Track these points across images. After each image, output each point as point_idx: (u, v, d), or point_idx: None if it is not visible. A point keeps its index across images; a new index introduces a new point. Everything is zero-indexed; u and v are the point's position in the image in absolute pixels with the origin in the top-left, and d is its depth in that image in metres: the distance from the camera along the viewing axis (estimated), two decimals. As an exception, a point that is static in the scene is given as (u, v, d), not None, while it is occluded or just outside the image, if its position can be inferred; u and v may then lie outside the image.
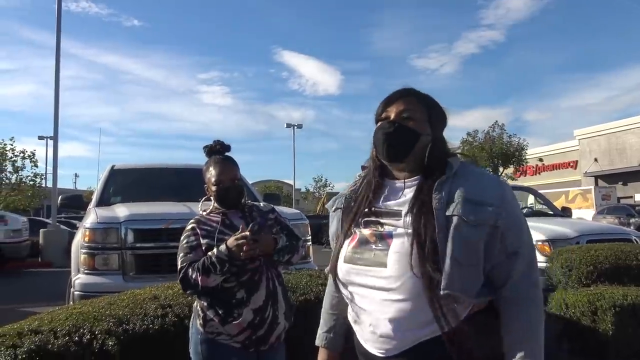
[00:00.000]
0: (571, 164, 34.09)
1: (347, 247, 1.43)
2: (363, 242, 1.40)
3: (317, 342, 1.65)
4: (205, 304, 2.15)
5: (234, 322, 2.09)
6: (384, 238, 1.36)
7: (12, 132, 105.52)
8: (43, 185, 28.42)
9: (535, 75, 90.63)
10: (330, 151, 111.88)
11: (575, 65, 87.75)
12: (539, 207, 9.85)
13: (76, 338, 2.47)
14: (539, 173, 35.52)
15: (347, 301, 1.45)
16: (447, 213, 1.30)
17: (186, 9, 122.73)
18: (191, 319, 2.25)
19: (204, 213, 2.29)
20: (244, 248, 2.03)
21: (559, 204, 15.36)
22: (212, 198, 2.29)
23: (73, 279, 4.33)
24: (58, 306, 3.22)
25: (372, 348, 1.38)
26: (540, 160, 34.64)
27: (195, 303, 2.25)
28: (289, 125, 40.27)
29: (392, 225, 1.37)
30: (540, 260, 6.23)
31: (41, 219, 20.34)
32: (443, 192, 1.32)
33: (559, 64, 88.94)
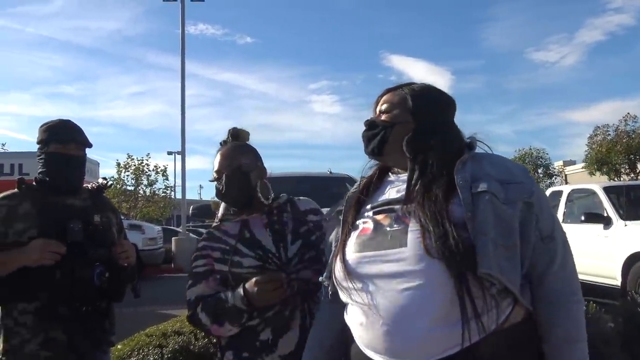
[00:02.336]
0: None
1: (355, 239, 1.26)
2: (376, 228, 1.23)
3: None
4: (223, 341, 1.65)
5: None
6: (400, 218, 1.21)
7: (144, 148, 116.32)
8: (172, 196, 30.85)
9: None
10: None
11: None
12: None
13: (214, 340, 2.59)
14: (684, 169, 31.64)
15: (351, 302, 1.24)
16: (474, 190, 1.17)
17: (294, 23, 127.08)
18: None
19: (217, 223, 1.78)
20: (272, 295, 1.51)
21: None
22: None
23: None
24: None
25: (382, 354, 1.16)
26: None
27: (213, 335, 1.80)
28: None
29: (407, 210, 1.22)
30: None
31: (173, 227, 21.99)
32: (466, 170, 1.22)
33: None
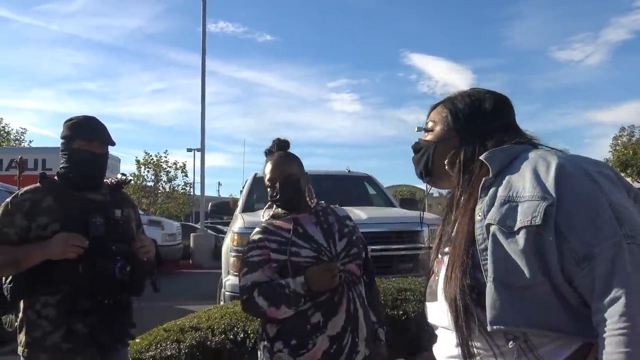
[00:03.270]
0: None
1: (428, 284, 1.23)
2: (435, 275, 1.20)
3: None
4: (272, 332, 1.84)
5: (306, 354, 1.77)
6: (440, 264, 1.17)
7: (164, 145, 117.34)
8: (191, 193, 31.12)
9: (703, 59, 79.23)
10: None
11: None
12: None
13: (231, 336, 2.62)
14: None
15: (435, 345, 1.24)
16: (486, 222, 1.03)
17: (314, 21, 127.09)
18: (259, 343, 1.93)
19: (270, 219, 1.97)
20: (329, 282, 1.77)
21: None
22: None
23: (224, 280, 4.62)
24: (208, 305, 3.45)
25: None
26: None
27: (260, 327, 1.96)
28: (419, 129, 39.49)
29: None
30: None
31: (191, 224, 22.19)
32: (486, 197, 1.07)
33: None
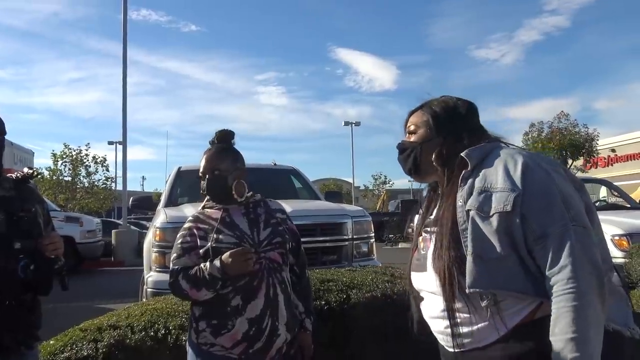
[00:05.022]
0: (647, 154, 32.08)
1: (413, 257, 1.53)
2: (419, 250, 1.50)
3: None
4: (197, 312, 1.97)
5: (227, 334, 1.89)
6: (427, 241, 1.46)
7: (84, 138, 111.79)
8: (113, 188, 29.87)
9: (605, 60, 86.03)
10: (388, 147, 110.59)
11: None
12: (613, 199, 9.32)
13: (152, 333, 2.56)
14: (612, 164, 33.63)
15: (421, 305, 1.53)
16: (466, 208, 1.30)
17: (241, 13, 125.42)
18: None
19: (202, 209, 2.09)
20: (243, 265, 1.86)
21: (634, 197, 14.48)
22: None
23: (145, 277, 4.50)
24: (131, 303, 3.35)
25: (442, 343, 1.45)
26: (613, 151, 32.80)
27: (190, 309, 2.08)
28: (347, 123, 40.04)
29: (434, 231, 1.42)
30: (618, 256, 5.89)
31: (113, 220, 21.33)
32: (465, 187, 1.33)
33: (632, 47, 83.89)
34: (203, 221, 2.02)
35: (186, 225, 2.03)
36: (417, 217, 1.59)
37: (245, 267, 1.87)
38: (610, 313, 1.24)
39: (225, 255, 1.87)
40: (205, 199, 2.10)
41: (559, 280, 1.18)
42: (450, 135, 1.45)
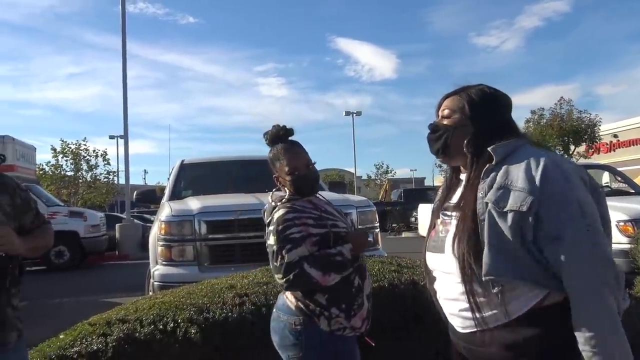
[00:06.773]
0: (649, 139, 31.94)
1: (430, 238, 1.58)
2: (438, 232, 1.54)
3: None
4: (323, 300, 1.95)
5: (358, 314, 1.97)
6: (446, 224, 1.51)
7: (85, 132, 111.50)
8: (116, 182, 29.89)
9: (607, 45, 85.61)
10: (389, 137, 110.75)
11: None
12: (616, 185, 9.30)
13: (161, 326, 2.57)
14: (614, 150, 33.49)
15: (434, 284, 1.59)
16: (485, 200, 1.37)
17: (239, 4, 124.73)
18: (288, 320, 1.99)
19: (286, 202, 2.06)
20: (367, 244, 2.07)
21: (638, 182, 14.44)
22: (286, 188, 2.10)
23: (152, 270, 4.52)
24: (137, 296, 3.36)
25: (453, 323, 1.52)
26: (615, 136, 32.65)
27: (287, 300, 2.02)
28: (347, 113, 39.88)
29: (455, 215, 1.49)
30: (623, 242, 5.89)
31: (116, 214, 21.35)
32: (488, 180, 1.39)
33: (633, 31, 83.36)
34: (302, 211, 2.00)
35: (288, 216, 1.96)
36: (437, 198, 1.64)
37: (368, 245, 2.10)
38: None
39: (354, 237, 2.03)
40: (288, 194, 2.08)
41: (572, 272, 1.27)
42: (484, 125, 1.48)
